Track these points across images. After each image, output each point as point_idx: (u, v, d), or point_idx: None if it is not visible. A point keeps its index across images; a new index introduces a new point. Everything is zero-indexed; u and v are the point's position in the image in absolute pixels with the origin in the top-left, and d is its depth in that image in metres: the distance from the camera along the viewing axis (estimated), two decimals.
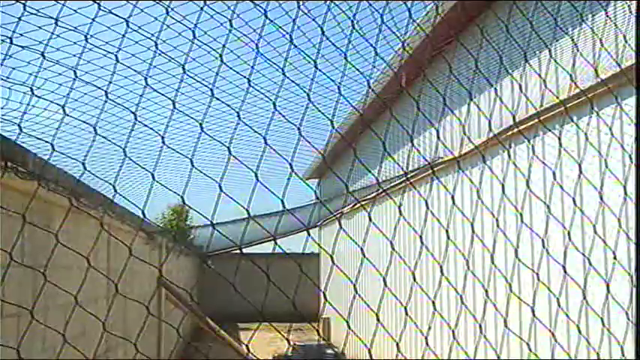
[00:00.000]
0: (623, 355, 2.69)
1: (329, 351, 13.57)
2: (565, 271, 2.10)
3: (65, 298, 4.64)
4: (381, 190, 10.90)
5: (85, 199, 5.30)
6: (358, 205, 13.31)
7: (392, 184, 10.35)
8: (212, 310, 13.88)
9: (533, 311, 2.77)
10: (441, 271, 6.42)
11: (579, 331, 4.32)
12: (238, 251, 20.15)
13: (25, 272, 3.99)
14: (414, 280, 7.09)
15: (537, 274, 5.12)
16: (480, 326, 6.56)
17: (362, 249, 1.66)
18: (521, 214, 5.79)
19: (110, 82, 2.34)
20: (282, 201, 1.85)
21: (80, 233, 5.17)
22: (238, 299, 19.23)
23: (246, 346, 2.38)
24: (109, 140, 1.98)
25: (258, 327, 17.57)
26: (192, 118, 2.11)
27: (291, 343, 13.68)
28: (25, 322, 3.93)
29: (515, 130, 5.72)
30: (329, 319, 17.25)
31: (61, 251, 4.64)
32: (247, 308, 15.93)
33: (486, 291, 5.99)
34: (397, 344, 5.38)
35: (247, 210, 1.82)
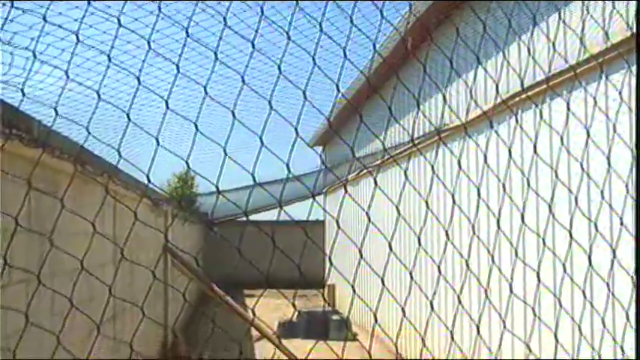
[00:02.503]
0: (628, 320, 2.69)
1: (334, 317, 13.67)
2: (571, 236, 2.09)
3: (72, 264, 4.67)
4: (386, 157, 10.88)
5: (90, 166, 5.30)
6: (363, 172, 13.30)
7: (397, 151, 10.31)
8: (217, 278, 13.98)
9: (538, 276, 2.77)
10: (447, 236, 6.42)
11: (584, 296, 4.33)
12: (243, 218, 20.22)
13: (32, 239, 4.01)
14: (420, 245, 7.09)
15: (543, 239, 5.12)
16: (486, 291, 6.60)
17: (367, 213, 1.65)
18: (527, 180, 5.77)
19: (113, 47, 2.31)
20: (287, 165, 1.83)
21: (86, 201, 5.18)
22: (243, 267, 19.38)
23: (252, 310, 2.38)
24: (113, 105, 1.95)
25: (262, 293, 17.67)
26: (195, 82, 2.08)
27: (297, 309, 13.79)
28: (33, 288, 3.96)
29: (523, 95, 5.66)
30: (334, 286, 17.37)
31: (67, 218, 4.66)
32: (252, 276, 16.08)
33: (492, 256, 6.00)
34: (403, 309, 5.41)
35: (252, 175, 1.80)
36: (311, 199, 15.10)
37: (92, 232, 1.93)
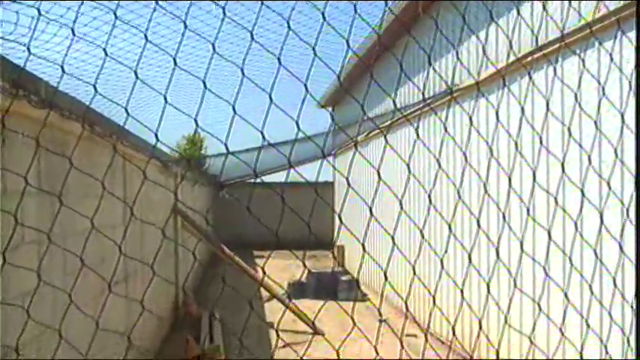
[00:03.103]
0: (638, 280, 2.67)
1: (343, 277, 13.77)
2: (583, 195, 2.06)
3: (83, 225, 4.70)
4: (396, 117, 10.80)
5: (99, 127, 5.29)
6: (372, 133, 13.24)
7: (408, 112, 10.23)
8: (227, 239, 14.07)
9: (549, 235, 2.75)
10: (458, 195, 6.40)
11: (596, 255, 4.32)
12: (253, 180, 20.26)
13: (43, 201, 4.03)
14: (430, 202, 7.06)
15: (555, 198, 5.09)
16: (497, 250, 6.59)
17: (378, 171, 1.63)
18: (540, 139, 5.72)
19: (119, 6, 2.27)
20: (296, 123, 1.80)
21: (95, 163, 5.19)
22: (252, 229, 19.50)
23: (262, 269, 2.39)
24: (119, 62, 1.92)
25: (270, 254, 17.83)
26: (204, 37, 2.04)
27: (306, 269, 13.91)
28: (44, 249, 3.99)
29: (536, 55, 5.57)
30: (343, 247, 17.47)
31: (77, 180, 4.67)
32: (261, 237, 16.13)
33: (503, 214, 5.98)
34: (413, 268, 5.42)
35: (261, 132, 1.78)
36: (320, 161, 15.06)
37: (102, 192, 1.92)
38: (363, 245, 1.50)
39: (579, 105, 4.68)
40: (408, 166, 1.86)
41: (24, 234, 3.66)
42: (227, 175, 18.98)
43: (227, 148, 1.71)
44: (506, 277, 6.80)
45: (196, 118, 1.77)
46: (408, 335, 9.74)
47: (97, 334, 4.96)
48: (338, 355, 1.62)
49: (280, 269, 16.21)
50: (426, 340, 4.44)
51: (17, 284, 3.40)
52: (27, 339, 3.63)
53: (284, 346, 8.96)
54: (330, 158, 20.34)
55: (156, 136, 1.73)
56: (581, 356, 4.49)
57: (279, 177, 20.91)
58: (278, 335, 1.86)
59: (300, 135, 1.93)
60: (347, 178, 1.60)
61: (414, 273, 2.55)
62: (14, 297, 3.30)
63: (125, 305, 6.58)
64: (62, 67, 1.88)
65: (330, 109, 19.22)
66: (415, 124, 10.04)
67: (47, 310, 3.98)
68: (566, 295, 4.39)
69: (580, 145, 4.88)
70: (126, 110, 1.79)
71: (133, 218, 7.22)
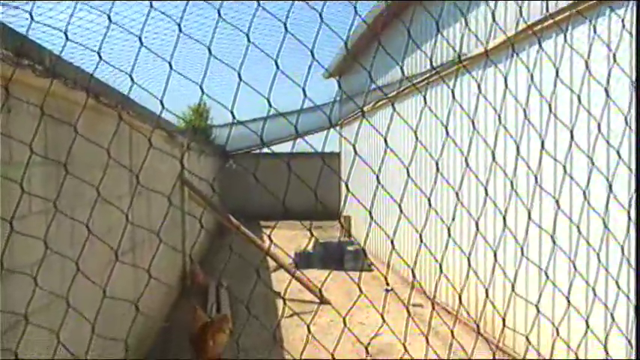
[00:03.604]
0: None
1: (350, 248, 13.82)
2: (592, 163, 2.04)
3: (90, 196, 4.71)
4: (404, 87, 10.73)
5: (104, 97, 5.27)
6: (379, 103, 13.17)
7: (416, 81, 10.15)
8: (233, 210, 14.12)
9: (557, 203, 2.73)
10: (466, 163, 6.36)
11: (604, 224, 4.30)
12: (259, 151, 20.24)
13: (49, 172, 4.03)
14: (438, 170, 7.02)
15: (564, 167, 5.06)
16: (504, 218, 6.58)
17: (385, 139, 1.61)
18: (550, 106, 5.67)
19: None
20: (303, 90, 1.78)
21: (101, 133, 5.18)
22: (259, 199, 19.54)
23: (269, 237, 2.39)
24: (123, 28, 1.90)
25: (276, 224, 17.89)
26: (209, 3, 2.01)
27: (313, 238, 13.94)
28: (51, 218, 4.00)
29: (547, 23, 5.49)
30: (349, 218, 17.51)
31: (83, 150, 4.66)
32: (268, 208, 16.20)
33: (511, 182, 5.95)
34: (420, 236, 5.42)
35: (268, 99, 1.76)
36: (326, 132, 15.02)
37: (108, 161, 1.91)
38: (370, 213, 1.49)
39: (589, 72, 4.62)
40: (415, 133, 1.84)
41: (31, 205, 3.67)
42: (233, 146, 18.98)
43: (233, 115, 1.69)
44: (512, 246, 6.81)
45: (202, 86, 1.75)
46: (414, 305, 9.80)
47: (106, 303, 5.00)
48: (345, 324, 1.62)
49: (287, 239, 16.28)
50: (433, 308, 4.45)
51: (26, 254, 3.42)
52: (36, 308, 3.66)
53: (291, 315, 9.04)
54: (337, 128, 20.29)
55: (161, 103, 1.72)
56: (587, 325, 4.51)
57: (285, 148, 20.90)
58: (285, 304, 1.87)
59: (307, 104, 1.90)
60: (354, 146, 1.58)
61: (421, 241, 2.54)
62: (23, 267, 3.32)
63: (133, 275, 6.63)
64: (66, 34, 1.86)
65: (336, 80, 19.11)
66: (423, 93, 9.97)
67: (56, 279, 4.01)
68: (573, 263, 4.40)
69: (589, 113, 4.83)
70: (130, 77, 1.77)
71: (140, 188, 7.23)
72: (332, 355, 1.57)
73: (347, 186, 1.42)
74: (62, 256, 4.02)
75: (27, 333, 3.40)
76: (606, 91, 2.44)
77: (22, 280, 3.31)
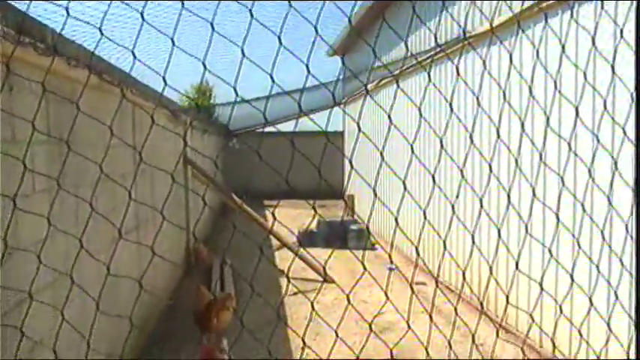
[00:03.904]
0: None
1: (353, 227, 13.84)
2: (598, 141, 2.02)
3: (94, 175, 4.71)
4: (408, 65, 10.66)
5: (107, 75, 5.25)
6: (383, 81, 13.10)
7: (421, 59, 10.09)
8: (236, 189, 14.12)
9: (562, 181, 2.71)
10: (471, 139, 6.33)
11: (609, 202, 4.29)
12: (261, 130, 20.21)
13: (52, 151, 4.03)
14: (442, 147, 7.00)
15: (569, 144, 5.04)
16: (509, 195, 6.57)
17: (389, 115, 1.59)
18: (555, 83, 5.63)
19: None
20: (307, 66, 1.76)
21: (104, 112, 5.16)
22: (262, 178, 19.54)
23: (273, 214, 2.39)
24: (126, 4, 1.87)
25: (278, 203, 17.90)
26: None
27: (316, 217, 13.94)
28: (56, 198, 4.01)
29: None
30: (353, 197, 17.52)
31: (86, 129, 4.66)
32: (271, 187, 16.12)
33: (516, 160, 5.93)
34: (424, 212, 5.41)
35: (271, 75, 1.74)
36: (329, 110, 14.96)
37: (110, 138, 1.91)
38: (373, 190, 1.48)
39: (595, 49, 4.58)
40: (419, 110, 1.82)
41: (34, 183, 3.67)
42: (236, 125, 18.93)
43: (236, 92, 1.68)
44: (516, 225, 6.80)
45: (204, 62, 1.73)
46: (417, 283, 9.83)
47: (110, 281, 5.03)
48: (349, 301, 1.62)
49: (290, 218, 16.31)
50: (437, 286, 4.46)
51: (30, 233, 3.42)
52: (41, 286, 3.68)
53: (295, 294, 9.09)
54: (341, 106, 20.22)
55: (164, 79, 1.70)
56: (591, 302, 4.51)
57: (287, 128, 20.86)
58: (289, 281, 1.87)
59: (310, 82, 1.89)
60: (357, 123, 1.57)
61: (425, 218, 2.53)
62: (27, 246, 3.33)
63: (137, 254, 6.65)
64: (67, 11, 1.84)
65: (340, 57, 19.01)
66: (427, 70, 9.91)
67: (60, 258, 4.03)
68: (578, 242, 4.39)
69: (594, 90, 4.80)
70: (132, 54, 1.76)
71: (143, 167, 7.23)
72: (336, 332, 1.57)
73: (351, 163, 1.40)
74: (66, 234, 4.04)
75: (32, 310, 3.43)
76: (612, 68, 2.41)
77: (26, 259, 3.33)
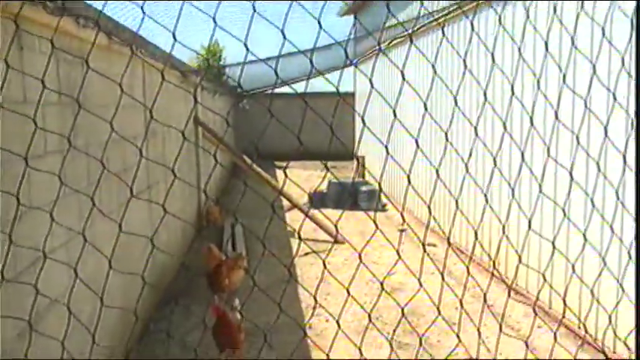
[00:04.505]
0: None
1: (364, 188, 13.84)
2: (615, 99, 1.98)
3: (105, 135, 4.71)
4: (421, 24, 10.51)
5: (117, 37, 5.21)
6: (395, 41, 12.94)
7: (434, 18, 9.92)
8: (247, 151, 14.12)
9: (577, 140, 2.67)
10: (484, 96, 6.24)
11: (624, 160, 4.24)
12: (272, 91, 20.11)
13: (64, 112, 4.02)
14: (456, 104, 6.94)
15: (585, 101, 4.97)
16: (522, 154, 6.50)
17: (402, 72, 1.57)
18: (572, 39, 5.53)
19: None
20: (319, 22, 1.73)
21: (113, 72, 5.14)
22: (273, 139, 19.46)
23: (284, 171, 2.37)
24: None
25: (287, 164, 17.91)
26: None
27: (328, 178, 13.92)
28: (67, 158, 4.02)
29: None
30: (364, 158, 17.49)
31: (96, 91, 4.64)
32: (282, 148, 16.09)
33: (530, 118, 5.86)
34: (437, 171, 5.40)
35: (282, 32, 1.71)
36: (340, 71, 14.81)
37: (121, 95, 1.89)
38: (386, 148, 1.46)
39: (618, 8, 4.47)
40: (433, 67, 1.79)
41: (46, 144, 3.68)
42: (246, 86, 18.81)
43: (246, 47, 1.65)
44: (528, 185, 6.77)
45: (214, 17, 1.70)
46: (428, 244, 9.87)
47: (123, 242, 5.07)
48: (360, 260, 1.62)
49: (301, 180, 16.34)
50: (449, 245, 4.46)
51: (43, 193, 3.44)
52: (56, 245, 3.72)
53: (306, 254, 9.15)
54: (351, 69, 20.04)
55: (173, 35, 1.68)
56: (604, 262, 4.51)
57: (298, 89, 20.74)
58: (301, 239, 1.87)
59: (321, 42, 1.86)
60: (370, 79, 1.55)
61: (437, 176, 2.50)
62: (41, 206, 3.35)
63: (148, 216, 6.70)
64: None
65: (351, 16, 18.77)
66: (441, 26, 9.76)
67: (73, 218, 4.06)
68: (592, 200, 4.36)
69: (611, 45, 4.70)
70: (142, 10, 1.73)
71: (154, 129, 7.23)
72: (347, 289, 1.57)
73: (363, 120, 1.38)
74: (78, 194, 4.06)
75: (47, 270, 3.47)
76: (632, 22, 2.34)
77: (40, 218, 3.35)
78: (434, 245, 9.74)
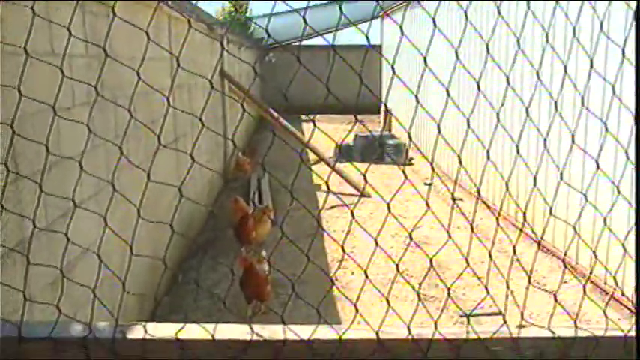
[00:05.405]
0: None
1: (390, 142, 13.76)
2: (623, 55, 1.90)
3: (131, 88, 4.71)
4: None
5: None
6: None
7: None
8: (272, 104, 14.06)
9: (589, 76, 2.57)
10: (518, 44, 6.05)
11: (637, 113, 4.13)
12: (298, 43, 19.89)
13: (91, 64, 4.02)
14: (488, 52, 6.79)
15: (591, 59, 4.83)
16: (555, 103, 6.37)
17: (433, 19, 1.52)
18: None
19: None
20: None
21: (140, 24, 5.11)
22: (299, 93, 19.37)
23: (313, 122, 2.36)
24: None
25: (314, 117, 17.78)
26: None
27: (354, 132, 13.84)
28: (95, 111, 4.03)
29: None
30: (391, 110, 17.34)
31: (123, 43, 4.63)
32: (307, 102, 16.00)
33: (564, 67, 5.70)
34: (467, 120, 5.31)
35: None
36: (368, 23, 14.59)
37: (147, 44, 1.87)
38: (416, 97, 1.42)
39: None
40: (465, 13, 1.73)
41: (74, 97, 3.69)
42: (272, 39, 18.64)
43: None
44: (557, 134, 6.65)
45: None
46: (455, 199, 9.83)
47: (151, 192, 5.12)
48: (389, 209, 1.60)
49: (328, 133, 16.29)
50: (479, 196, 4.40)
51: (72, 144, 3.47)
52: (85, 197, 3.77)
53: (332, 207, 9.18)
54: (378, 21, 19.71)
55: None
56: (637, 212, 4.43)
57: (323, 43, 20.52)
58: (329, 189, 1.85)
59: None
60: (400, 26, 1.50)
61: (468, 126, 2.46)
62: (70, 157, 3.38)
63: (175, 169, 6.74)
64: None
65: None
66: None
67: (102, 169, 4.10)
68: (626, 152, 4.22)
69: (627, 5, 4.53)
70: None
71: (180, 80, 7.21)
72: (375, 240, 1.56)
73: (393, 68, 1.35)
74: (106, 145, 4.09)
75: (77, 220, 3.52)
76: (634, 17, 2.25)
77: (70, 169, 3.39)
78: (460, 200, 9.69)
